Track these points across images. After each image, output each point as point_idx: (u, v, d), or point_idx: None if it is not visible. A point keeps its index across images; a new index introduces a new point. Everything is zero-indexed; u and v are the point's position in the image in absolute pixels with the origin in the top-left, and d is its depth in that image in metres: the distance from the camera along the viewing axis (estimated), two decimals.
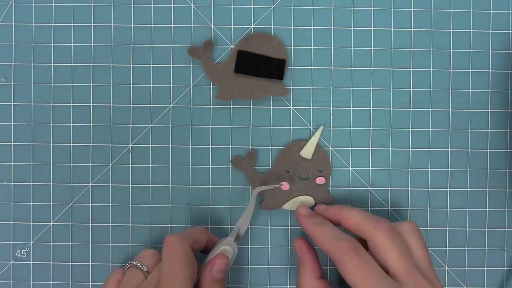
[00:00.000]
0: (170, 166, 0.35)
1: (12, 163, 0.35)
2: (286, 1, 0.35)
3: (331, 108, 0.35)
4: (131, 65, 0.35)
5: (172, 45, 0.35)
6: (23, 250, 0.35)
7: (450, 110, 0.35)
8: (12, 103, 0.35)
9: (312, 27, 0.35)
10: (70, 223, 0.35)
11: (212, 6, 0.35)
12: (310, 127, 0.35)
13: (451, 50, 0.35)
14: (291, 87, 0.35)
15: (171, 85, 0.35)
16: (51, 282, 0.35)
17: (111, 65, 0.35)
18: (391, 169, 0.35)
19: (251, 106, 0.35)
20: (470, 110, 0.35)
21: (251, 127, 0.35)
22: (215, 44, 0.35)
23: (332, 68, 0.35)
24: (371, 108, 0.35)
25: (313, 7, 0.35)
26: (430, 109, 0.35)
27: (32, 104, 0.35)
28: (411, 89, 0.35)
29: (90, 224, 0.35)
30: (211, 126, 0.35)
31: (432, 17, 0.35)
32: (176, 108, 0.35)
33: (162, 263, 0.29)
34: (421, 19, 0.35)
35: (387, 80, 0.35)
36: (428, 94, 0.35)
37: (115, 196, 0.35)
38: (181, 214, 0.35)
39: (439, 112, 0.35)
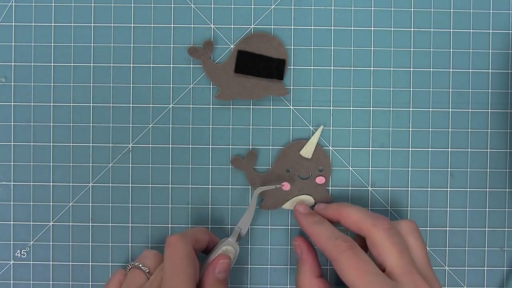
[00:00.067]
0: (170, 166, 0.35)
1: (12, 163, 0.35)
2: (286, 1, 0.35)
3: (331, 108, 0.35)
4: (131, 65, 0.35)
5: (172, 45, 0.35)
6: (23, 250, 0.35)
7: (450, 110, 0.35)
8: (12, 103, 0.35)
9: (312, 27, 0.35)
10: (70, 223, 0.35)
11: (212, 6, 0.35)
12: (310, 127, 0.35)
13: (451, 50, 0.35)
14: (291, 87, 0.35)
15: (171, 85, 0.35)
16: (51, 282, 0.35)
17: (111, 65, 0.35)
18: (391, 169, 0.35)
19: (251, 106, 0.35)
20: (470, 110, 0.35)
21: (251, 127, 0.35)
22: (215, 44, 0.35)
23: (332, 68, 0.35)
24: (371, 108, 0.35)
25: (313, 7, 0.35)
26: (430, 109, 0.35)
27: (32, 104, 0.35)
28: (411, 89, 0.35)
29: (90, 224, 0.35)
30: (211, 126, 0.35)
31: (432, 17, 0.35)
32: (176, 108, 0.35)
33: (164, 264, 0.29)
34: (421, 19, 0.35)
35: (387, 80, 0.35)
36: (428, 94, 0.35)
37: (115, 196, 0.35)
38: (181, 214, 0.35)
39: (439, 112, 0.35)
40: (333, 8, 0.35)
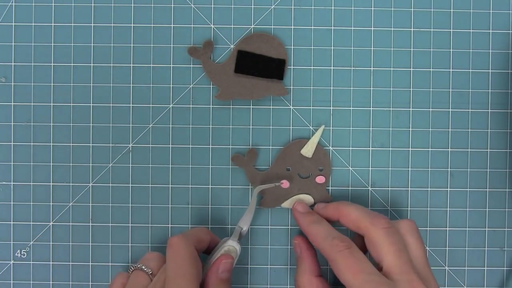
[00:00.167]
0: (170, 166, 0.35)
1: (12, 163, 0.35)
2: (286, 1, 0.35)
3: (331, 108, 0.35)
4: (131, 65, 0.35)
5: (172, 45, 0.35)
6: (23, 250, 0.35)
7: (450, 110, 0.35)
8: (12, 103, 0.35)
9: (312, 27, 0.35)
10: (70, 223, 0.35)
11: (212, 6, 0.35)
12: (310, 127, 0.35)
13: (451, 50, 0.35)
14: (291, 87, 0.35)
15: (171, 85, 0.35)
16: (51, 282, 0.35)
17: (111, 65, 0.35)
18: (391, 169, 0.35)
19: (251, 106, 0.35)
20: (470, 110, 0.35)
21: (251, 127, 0.35)
22: (215, 44, 0.35)
23: (332, 68, 0.35)
24: (371, 108, 0.35)
25: (313, 7, 0.35)
26: (430, 109, 0.35)
27: (32, 104, 0.35)
28: (411, 89, 0.35)
29: (90, 224, 0.35)
30: (211, 126, 0.35)
31: (432, 17, 0.35)
32: (176, 108, 0.35)
33: (166, 265, 0.29)
34: (421, 19, 0.35)
35: (387, 80, 0.35)
36: (428, 94, 0.35)
37: (115, 196, 0.35)
38: (181, 214, 0.35)
39: (439, 112, 0.35)
40: (333, 8, 0.35)
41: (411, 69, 0.35)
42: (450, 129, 0.35)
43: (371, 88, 0.35)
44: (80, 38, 0.35)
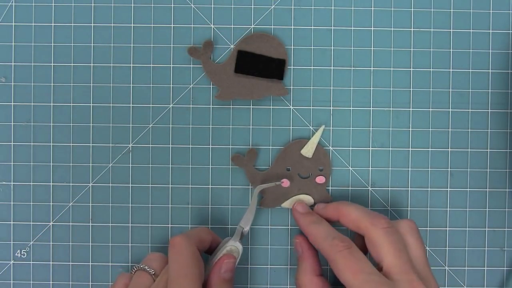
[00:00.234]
0: (170, 166, 0.35)
1: (12, 163, 0.35)
2: (286, 1, 0.35)
3: (331, 108, 0.35)
4: (131, 65, 0.35)
5: (172, 45, 0.35)
6: (23, 250, 0.35)
7: (450, 110, 0.35)
8: (12, 103, 0.35)
9: (312, 27, 0.35)
10: (70, 223, 0.35)
11: (212, 6, 0.35)
12: (310, 127, 0.35)
13: (451, 50, 0.35)
14: (291, 87, 0.35)
15: (171, 85, 0.35)
16: (51, 282, 0.35)
17: (111, 65, 0.35)
18: (391, 169, 0.35)
19: (251, 106, 0.35)
20: (470, 110, 0.35)
21: (251, 127, 0.35)
22: (215, 44, 0.35)
23: (332, 68, 0.35)
24: (371, 108, 0.35)
25: (313, 7, 0.35)
26: (430, 109, 0.35)
27: (32, 104, 0.35)
28: (411, 89, 0.35)
29: (90, 224, 0.35)
30: (211, 126, 0.35)
31: (432, 17, 0.35)
32: (176, 108, 0.35)
33: (169, 265, 0.29)
34: (421, 19, 0.35)
35: (387, 80, 0.35)
36: (428, 94, 0.35)
37: (115, 196, 0.35)
38: (181, 214, 0.35)
39: (439, 112, 0.35)
40: (333, 8, 0.35)
41: (411, 69, 0.35)
42: (450, 129, 0.35)
43: (371, 88, 0.35)
44: (80, 38, 0.35)
